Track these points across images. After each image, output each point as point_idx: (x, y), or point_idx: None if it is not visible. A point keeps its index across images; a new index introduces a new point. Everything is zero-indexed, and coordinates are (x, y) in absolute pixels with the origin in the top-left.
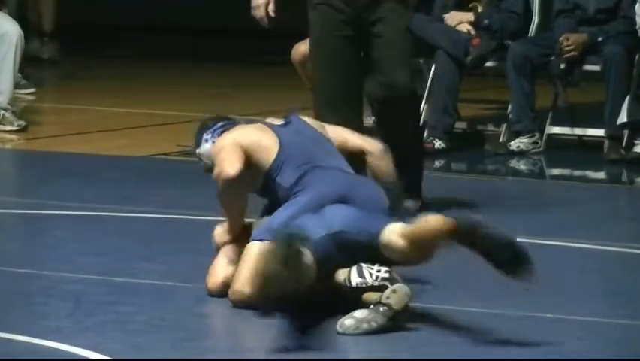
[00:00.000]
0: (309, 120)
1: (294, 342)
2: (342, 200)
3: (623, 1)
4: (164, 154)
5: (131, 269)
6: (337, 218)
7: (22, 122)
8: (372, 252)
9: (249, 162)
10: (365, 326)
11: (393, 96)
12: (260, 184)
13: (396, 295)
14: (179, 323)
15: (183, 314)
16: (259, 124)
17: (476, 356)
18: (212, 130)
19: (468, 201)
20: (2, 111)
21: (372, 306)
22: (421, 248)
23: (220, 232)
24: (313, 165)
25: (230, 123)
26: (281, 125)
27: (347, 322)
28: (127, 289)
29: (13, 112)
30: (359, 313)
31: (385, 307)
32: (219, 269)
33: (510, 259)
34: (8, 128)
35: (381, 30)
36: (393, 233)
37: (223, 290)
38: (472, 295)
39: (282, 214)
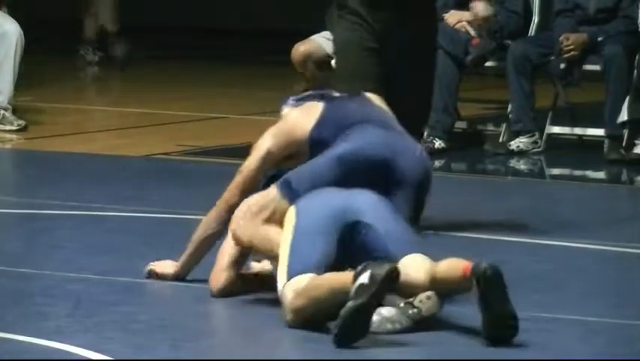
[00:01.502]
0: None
1: (294, 341)
2: (384, 164)
3: (623, 1)
4: (164, 154)
5: (132, 269)
6: (361, 206)
7: (23, 122)
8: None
9: (287, 152)
10: (389, 325)
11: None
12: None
13: (430, 301)
14: (179, 323)
15: (183, 314)
16: (311, 104)
17: (476, 356)
18: (296, 98)
19: (468, 201)
20: (2, 111)
21: (401, 305)
22: (436, 289)
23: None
24: (359, 120)
25: (311, 97)
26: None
27: (372, 317)
28: (127, 289)
29: (14, 112)
30: (386, 311)
31: (415, 311)
32: (220, 271)
33: (499, 326)
34: (8, 127)
35: (407, 54)
36: (415, 267)
37: (227, 292)
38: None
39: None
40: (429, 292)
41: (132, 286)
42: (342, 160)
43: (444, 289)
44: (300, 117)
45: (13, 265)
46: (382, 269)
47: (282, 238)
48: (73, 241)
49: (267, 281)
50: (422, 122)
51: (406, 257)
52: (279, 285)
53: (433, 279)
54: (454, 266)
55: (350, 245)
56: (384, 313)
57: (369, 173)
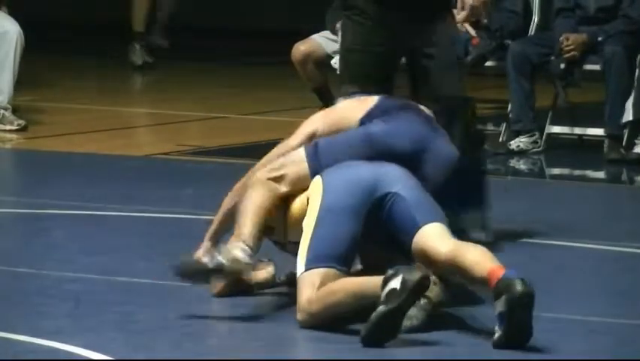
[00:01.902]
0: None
1: (296, 340)
2: (412, 154)
3: (623, 0)
4: (164, 154)
5: (131, 269)
6: (390, 177)
7: (23, 122)
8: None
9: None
10: (407, 322)
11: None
12: None
13: (437, 287)
14: (179, 323)
15: (183, 314)
16: (366, 98)
17: (477, 356)
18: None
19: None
20: (2, 111)
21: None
22: (449, 269)
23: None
24: (404, 111)
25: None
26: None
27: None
28: (127, 288)
29: (14, 111)
30: None
31: (426, 300)
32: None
33: (514, 338)
34: (8, 127)
35: (430, 49)
36: (440, 237)
37: (226, 295)
38: (472, 294)
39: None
40: (433, 277)
41: (132, 286)
42: (374, 138)
43: (457, 274)
44: (353, 107)
45: (12, 265)
46: (414, 275)
47: (307, 216)
48: (72, 241)
49: (266, 286)
50: (465, 120)
51: (431, 224)
52: (298, 269)
53: (453, 259)
54: (482, 263)
55: (377, 215)
56: None
57: (396, 159)
